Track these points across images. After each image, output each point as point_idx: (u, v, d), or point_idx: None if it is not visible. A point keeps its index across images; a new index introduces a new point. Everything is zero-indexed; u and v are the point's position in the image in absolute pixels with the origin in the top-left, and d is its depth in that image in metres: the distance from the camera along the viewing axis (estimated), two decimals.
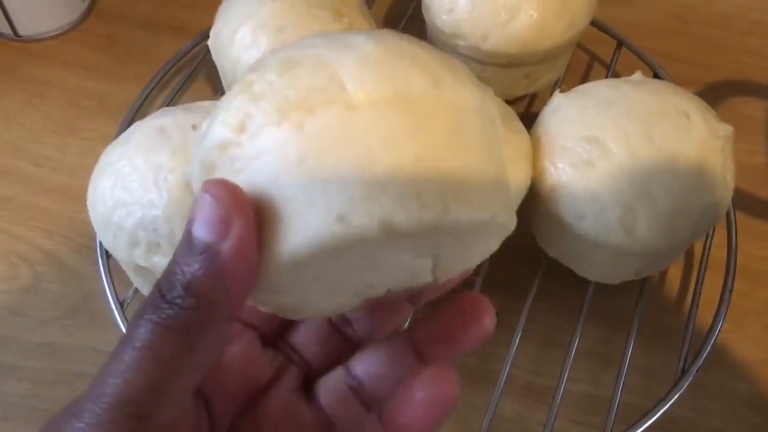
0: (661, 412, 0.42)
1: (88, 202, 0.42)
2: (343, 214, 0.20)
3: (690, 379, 0.43)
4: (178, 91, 0.57)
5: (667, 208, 0.40)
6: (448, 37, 0.52)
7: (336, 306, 0.25)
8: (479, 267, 0.37)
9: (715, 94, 0.61)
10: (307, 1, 0.49)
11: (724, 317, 0.45)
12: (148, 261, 0.39)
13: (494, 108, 0.24)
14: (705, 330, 0.45)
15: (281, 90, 0.21)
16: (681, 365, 0.44)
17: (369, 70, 0.21)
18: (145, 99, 0.56)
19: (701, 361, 0.44)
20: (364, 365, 0.27)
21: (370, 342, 0.29)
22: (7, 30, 0.63)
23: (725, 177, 0.42)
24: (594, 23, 0.57)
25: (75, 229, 0.52)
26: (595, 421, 0.44)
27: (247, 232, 0.20)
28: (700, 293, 0.47)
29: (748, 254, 0.51)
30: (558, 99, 0.45)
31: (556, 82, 0.58)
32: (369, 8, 0.58)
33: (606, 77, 0.57)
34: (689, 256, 0.51)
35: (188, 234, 0.21)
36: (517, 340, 0.45)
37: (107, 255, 0.46)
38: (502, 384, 0.43)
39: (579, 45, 0.61)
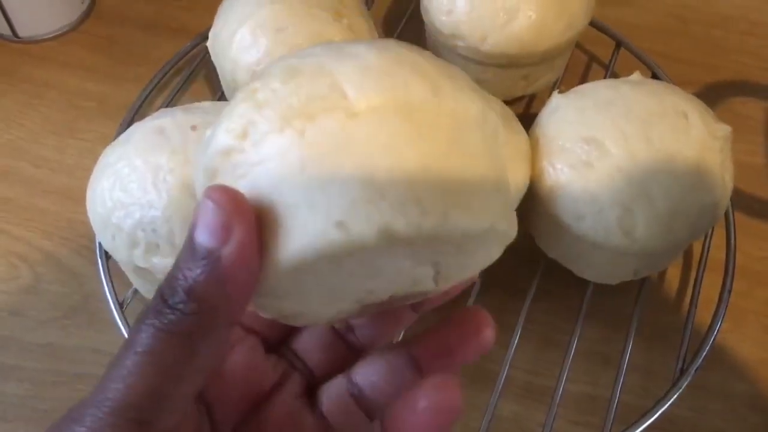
0: (659, 412, 0.42)
1: (87, 203, 0.42)
2: (342, 221, 0.20)
3: (689, 379, 0.43)
4: (177, 92, 0.58)
5: (665, 209, 0.40)
6: (447, 38, 0.52)
7: (337, 312, 0.25)
8: None
9: (714, 95, 0.61)
10: (306, 1, 0.49)
11: (723, 317, 0.45)
12: (147, 262, 0.39)
13: (496, 116, 0.24)
14: (704, 330, 0.45)
15: (284, 98, 0.21)
16: (680, 365, 0.44)
17: (370, 78, 0.21)
18: (144, 100, 0.56)
19: (700, 361, 0.44)
20: (366, 374, 0.27)
21: (373, 349, 0.29)
22: (7, 31, 0.63)
23: (724, 177, 0.42)
24: (593, 24, 0.57)
25: (74, 230, 0.52)
26: (593, 421, 0.44)
27: (248, 238, 0.21)
28: (698, 293, 0.47)
29: (747, 254, 0.51)
30: (556, 100, 0.45)
31: (555, 83, 0.58)
32: (368, 9, 0.58)
33: (605, 78, 0.57)
34: (688, 256, 0.51)
35: (190, 239, 0.21)
36: (516, 341, 0.45)
37: (107, 256, 0.46)
38: (501, 384, 0.43)
39: (578, 45, 0.61)
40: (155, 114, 0.43)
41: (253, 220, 0.21)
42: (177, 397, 0.21)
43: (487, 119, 0.23)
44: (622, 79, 0.47)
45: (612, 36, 0.60)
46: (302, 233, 0.21)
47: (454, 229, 0.21)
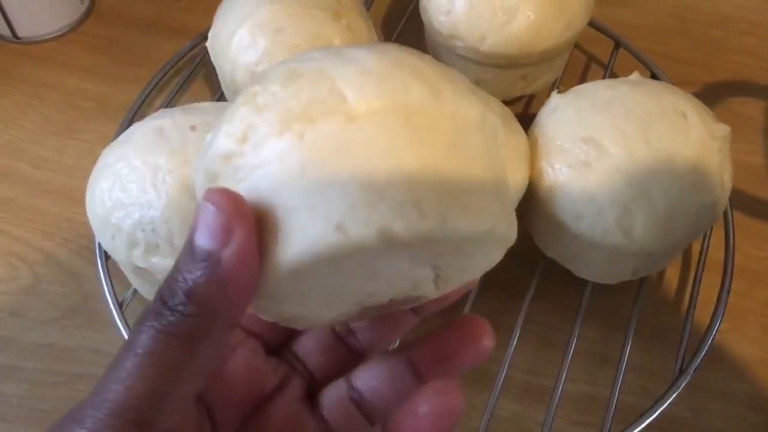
0: (658, 411, 0.42)
1: (86, 204, 0.42)
2: (341, 223, 0.20)
3: (687, 378, 0.43)
4: (176, 93, 0.58)
5: (664, 209, 0.40)
6: (446, 38, 0.52)
7: (336, 315, 0.25)
8: None
9: (713, 95, 0.61)
10: (305, 2, 0.49)
11: (722, 317, 0.45)
12: (146, 262, 0.39)
13: (496, 119, 0.24)
14: (703, 330, 0.45)
15: (284, 101, 0.22)
16: (679, 365, 0.44)
17: (369, 82, 0.22)
18: (144, 100, 0.57)
19: (699, 360, 0.44)
20: (366, 378, 0.27)
21: (373, 352, 0.29)
22: (6, 32, 0.63)
23: (723, 177, 0.42)
24: (591, 24, 0.57)
25: (74, 231, 0.52)
26: (593, 421, 0.44)
27: (248, 241, 0.21)
28: (697, 293, 0.47)
29: (746, 254, 0.51)
30: (555, 100, 0.45)
31: (554, 83, 0.58)
32: (367, 9, 0.58)
33: (603, 78, 0.57)
34: (687, 256, 0.51)
35: (190, 242, 0.21)
36: (515, 341, 0.45)
37: (106, 256, 0.46)
38: (500, 384, 0.43)
39: (577, 46, 0.61)
40: (154, 114, 0.43)
41: (253, 223, 0.21)
42: (177, 399, 0.21)
43: (486, 122, 0.23)
44: (620, 79, 0.47)
45: (611, 36, 0.60)
46: (302, 236, 0.21)
47: (453, 231, 0.21)
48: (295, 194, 0.21)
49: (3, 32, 0.63)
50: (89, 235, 0.47)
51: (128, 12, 0.66)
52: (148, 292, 0.45)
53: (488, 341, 0.26)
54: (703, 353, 0.44)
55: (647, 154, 0.41)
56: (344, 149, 0.21)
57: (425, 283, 0.24)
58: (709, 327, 0.45)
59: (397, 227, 0.20)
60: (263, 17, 0.48)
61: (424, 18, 0.55)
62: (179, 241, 0.38)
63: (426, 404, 0.24)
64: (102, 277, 0.46)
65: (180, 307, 0.21)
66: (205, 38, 0.53)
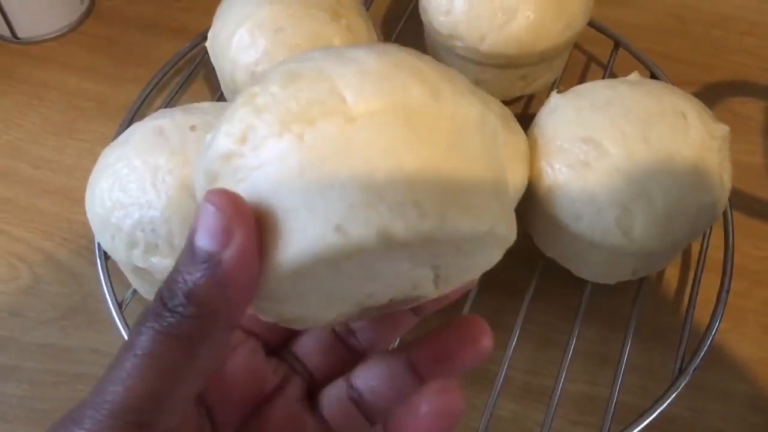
0: (658, 411, 0.42)
1: (86, 204, 0.42)
2: (340, 224, 0.20)
3: (687, 378, 0.43)
4: (176, 93, 0.58)
5: (663, 209, 0.40)
6: (446, 38, 0.52)
7: (336, 315, 0.25)
8: None
9: (713, 95, 0.61)
10: (304, 2, 0.49)
11: (721, 317, 0.45)
12: (146, 262, 0.39)
13: (495, 119, 0.24)
14: (702, 330, 0.45)
15: (283, 102, 0.22)
16: (678, 365, 0.44)
17: (369, 83, 0.22)
18: (143, 100, 0.57)
19: (698, 360, 0.44)
20: (365, 378, 0.27)
21: (373, 352, 0.29)
22: (6, 32, 0.63)
23: (722, 177, 0.42)
24: (591, 24, 0.57)
25: (74, 231, 0.52)
26: (592, 420, 0.44)
27: (248, 242, 0.21)
28: (697, 293, 0.47)
29: (745, 254, 0.51)
30: (555, 100, 0.45)
31: (554, 83, 0.58)
32: (367, 9, 0.58)
33: (603, 78, 0.57)
34: (686, 256, 0.51)
35: (190, 243, 0.21)
36: (515, 341, 0.45)
37: (106, 256, 0.46)
38: (499, 384, 0.43)
39: (576, 46, 0.61)
40: (154, 114, 0.43)
41: (253, 224, 0.21)
42: (176, 400, 0.21)
43: (486, 122, 0.23)
44: (620, 79, 0.47)
45: (610, 36, 0.60)
46: (301, 237, 0.21)
47: (452, 231, 0.21)
48: (295, 195, 0.21)
49: (3, 32, 0.63)
50: (89, 235, 0.47)
51: (128, 12, 0.66)
52: (148, 292, 0.45)
53: (487, 341, 0.27)
54: (702, 353, 0.44)
55: (647, 154, 0.41)
56: (343, 150, 0.21)
57: (425, 283, 0.24)
58: (709, 327, 0.45)
59: (396, 228, 0.20)
60: (263, 17, 0.48)
61: (423, 18, 0.55)
62: (179, 241, 0.38)
63: (426, 404, 0.24)
64: (102, 277, 0.46)
65: (180, 309, 0.21)
66: (205, 38, 0.53)
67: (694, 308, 0.46)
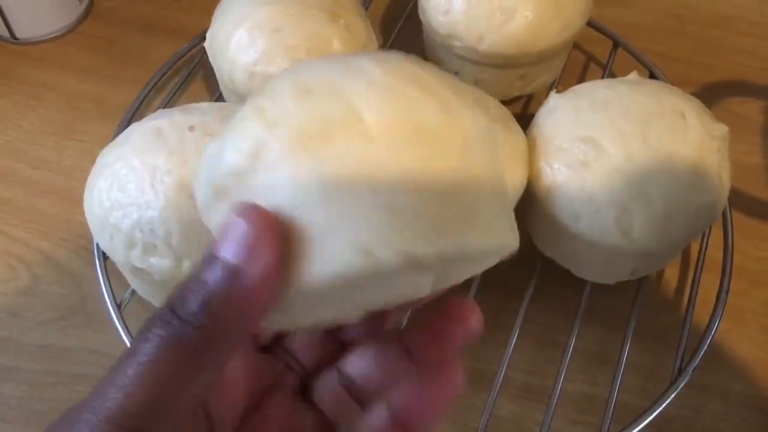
0: (657, 411, 0.42)
1: (84, 204, 0.42)
2: (367, 247, 0.21)
3: (686, 378, 0.43)
4: (175, 93, 0.58)
5: (662, 209, 0.40)
6: (444, 38, 0.52)
7: (335, 320, 0.25)
8: None
9: (712, 95, 0.61)
10: (302, 2, 0.49)
11: (721, 317, 0.45)
12: (144, 262, 0.39)
13: (496, 127, 0.24)
14: (702, 330, 0.45)
15: (297, 118, 0.21)
16: (677, 365, 0.44)
17: (383, 100, 0.22)
18: (142, 101, 0.57)
19: (698, 360, 0.44)
20: (355, 364, 0.28)
21: (361, 343, 0.29)
22: (5, 33, 0.63)
23: (721, 177, 0.42)
24: (590, 24, 0.57)
25: (73, 231, 0.52)
26: (591, 420, 0.44)
27: (276, 261, 0.21)
28: (696, 293, 0.47)
29: (745, 254, 0.51)
30: (554, 100, 0.45)
31: (553, 83, 0.58)
32: (365, 9, 0.58)
33: (602, 78, 0.57)
34: (686, 255, 0.51)
35: (212, 254, 0.21)
36: (514, 341, 0.45)
37: (105, 257, 0.46)
38: (499, 384, 0.43)
39: (575, 46, 0.61)
40: (153, 115, 0.43)
41: (282, 244, 0.21)
42: (177, 409, 0.21)
43: (490, 132, 0.24)
44: (619, 78, 0.47)
45: (609, 36, 0.60)
46: (327, 259, 0.21)
47: (470, 249, 0.22)
48: (316, 216, 0.21)
49: (2, 33, 0.63)
50: (88, 236, 0.47)
51: (127, 13, 0.66)
52: (147, 293, 0.45)
53: (476, 321, 0.27)
54: (702, 353, 0.44)
55: (646, 153, 0.41)
56: (363, 170, 0.21)
57: (426, 286, 0.24)
58: (708, 327, 0.45)
59: (420, 250, 0.21)
60: (261, 17, 0.48)
61: (422, 18, 0.55)
62: (177, 242, 0.38)
63: (428, 386, 0.25)
64: (100, 277, 0.46)
65: (191, 318, 0.20)
66: (204, 39, 0.53)
67: (693, 308, 0.46)
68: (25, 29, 0.63)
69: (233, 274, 0.20)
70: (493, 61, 0.52)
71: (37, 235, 0.52)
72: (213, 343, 0.21)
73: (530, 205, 0.45)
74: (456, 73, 0.55)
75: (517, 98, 0.58)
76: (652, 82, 0.46)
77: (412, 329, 0.27)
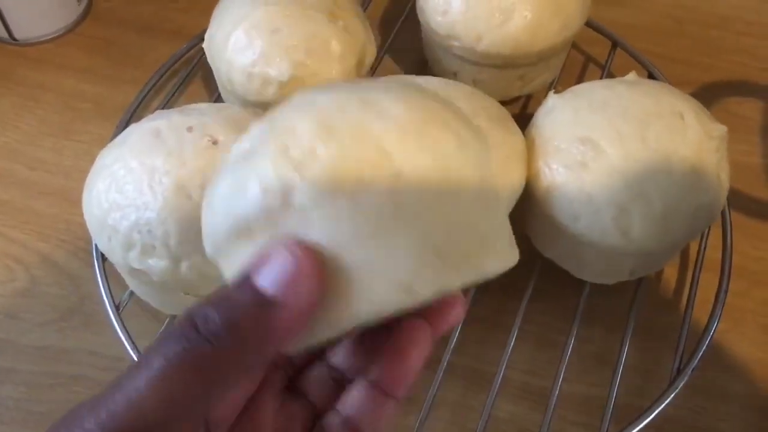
0: (656, 411, 0.42)
1: (83, 205, 0.42)
2: (408, 285, 0.22)
3: (685, 378, 0.43)
4: (173, 94, 0.58)
5: (661, 209, 0.40)
6: (443, 38, 0.52)
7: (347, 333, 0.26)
8: None
9: (710, 95, 0.61)
10: (301, 3, 0.49)
11: (720, 317, 0.45)
12: (142, 263, 0.39)
13: (488, 144, 0.25)
14: (701, 330, 0.45)
15: (327, 159, 0.22)
16: (676, 365, 0.44)
17: (410, 141, 0.22)
18: (140, 102, 0.56)
19: (696, 361, 0.44)
20: (339, 355, 0.28)
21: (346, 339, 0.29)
22: (4, 33, 0.63)
23: (720, 177, 0.42)
24: (589, 24, 0.57)
25: (71, 232, 0.52)
26: (591, 421, 0.44)
27: (314, 299, 0.21)
28: (695, 293, 0.47)
29: (744, 254, 0.51)
30: (552, 100, 0.45)
31: (551, 83, 0.58)
32: (364, 10, 0.58)
33: (601, 78, 0.57)
34: (685, 256, 0.51)
35: (246, 278, 0.21)
36: (513, 341, 0.45)
37: (103, 258, 0.46)
38: (497, 385, 0.43)
39: (574, 46, 0.61)
40: (151, 116, 0.43)
41: (323, 282, 0.21)
42: (179, 425, 0.21)
43: (487, 152, 0.25)
44: (618, 79, 0.47)
45: (608, 36, 0.60)
46: (368, 298, 0.22)
47: (489, 275, 0.23)
48: (355, 256, 0.21)
49: (0, 34, 0.63)
50: (86, 237, 0.47)
51: (125, 14, 0.66)
52: (145, 294, 0.45)
53: (424, 351, 0.27)
54: (700, 353, 0.44)
55: (644, 154, 0.41)
56: (396, 209, 0.21)
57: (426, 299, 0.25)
58: (707, 327, 0.45)
59: (452, 283, 0.22)
60: (259, 18, 0.48)
61: (421, 18, 0.55)
62: (175, 243, 0.38)
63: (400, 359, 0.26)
64: (99, 279, 0.46)
65: (212, 337, 0.20)
66: (202, 39, 0.53)
67: (692, 308, 0.46)
68: (23, 30, 0.63)
69: (267, 303, 0.20)
70: (492, 61, 0.52)
71: (36, 236, 0.52)
72: (230, 363, 0.21)
73: (529, 206, 0.45)
74: (455, 74, 0.55)
75: (516, 98, 0.58)
76: (651, 82, 0.46)
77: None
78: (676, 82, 0.54)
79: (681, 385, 0.43)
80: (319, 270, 0.21)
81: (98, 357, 0.47)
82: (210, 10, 0.53)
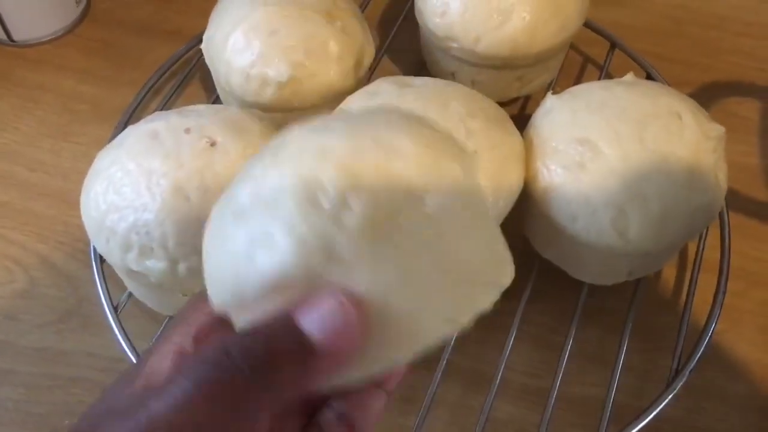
0: (655, 412, 0.42)
1: (81, 207, 0.42)
2: (454, 318, 0.23)
3: (684, 379, 0.43)
4: (172, 96, 0.58)
5: (659, 210, 0.40)
6: (441, 39, 0.52)
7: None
8: None
9: (709, 95, 0.61)
10: (299, 4, 0.49)
11: (718, 318, 0.45)
12: (140, 265, 0.39)
13: (478, 161, 0.27)
14: (699, 331, 0.45)
15: (362, 208, 0.22)
16: (675, 366, 0.44)
17: (429, 176, 0.23)
18: (139, 103, 0.57)
19: (695, 361, 0.44)
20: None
21: None
22: (2, 35, 0.63)
23: (718, 178, 0.42)
24: (587, 25, 0.57)
25: (70, 234, 0.52)
26: (589, 422, 0.44)
27: (360, 347, 0.21)
28: (693, 294, 0.47)
29: (742, 255, 0.51)
30: (550, 101, 0.45)
31: (550, 84, 0.58)
32: (362, 11, 0.58)
33: (599, 79, 0.57)
34: (683, 256, 0.51)
35: (289, 318, 0.21)
36: (511, 342, 0.45)
37: (101, 259, 0.46)
38: (496, 386, 0.43)
39: (572, 46, 0.61)
40: (149, 117, 0.43)
41: (368, 333, 0.21)
42: None
43: (475, 164, 0.26)
44: (615, 80, 0.47)
45: (606, 37, 0.60)
46: (418, 335, 0.22)
47: (505, 286, 0.24)
48: (401, 299, 0.22)
49: None
50: (85, 239, 0.47)
51: (124, 15, 0.66)
52: (143, 296, 0.45)
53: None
54: (699, 354, 0.44)
55: (642, 155, 0.41)
56: (432, 248, 0.22)
57: None
58: (705, 328, 0.45)
59: (486, 304, 0.23)
60: (258, 19, 0.48)
61: (419, 20, 0.55)
62: (173, 244, 0.38)
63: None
64: (97, 280, 0.46)
65: (249, 368, 0.20)
66: (201, 41, 0.53)
67: (690, 309, 0.46)
68: (22, 31, 0.63)
69: (310, 346, 0.21)
70: (490, 62, 0.52)
71: (34, 238, 0.52)
72: (261, 397, 0.21)
73: (527, 207, 0.45)
74: (453, 75, 0.55)
75: (515, 99, 0.58)
76: (648, 83, 0.46)
77: None
78: (675, 83, 0.54)
79: (679, 385, 0.43)
80: (365, 320, 0.21)
81: (97, 358, 0.47)
82: (207, 11, 0.53)
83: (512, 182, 0.43)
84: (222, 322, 0.24)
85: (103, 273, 0.46)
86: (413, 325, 0.22)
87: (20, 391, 0.45)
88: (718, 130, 0.43)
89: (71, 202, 0.52)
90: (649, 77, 0.57)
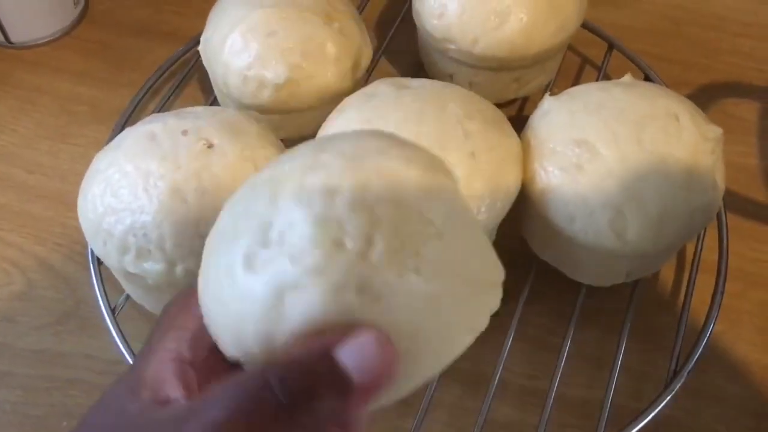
0: (653, 414, 0.42)
1: (78, 209, 0.42)
2: (474, 327, 0.24)
3: (682, 380, 0.43)
4: (169, 97, 0.58)
5: (656, 211, 0.40)
6: (439, 41, 0.52)
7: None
8: None
9: (707, 96, 0.61)
10: (297, 5, 0.49)
11: (716, 319, 0.45)
12: (137, 267, 0.39)
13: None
14: (697, 332, 0.45)
15: (387, 245, 0.22)
16: (673, 367, 0.44)
17: (434, 199, 0.24)
18: (137, 105, 0.57)
19: (693, 363, 0.44)
20: None
21: None
22: (0, 37, 0.63)
23: (715, 179, 0.42)
24: (585, 26, 0.58)
25: (68, 236, 0.52)
26: (587, 423, 0.44)
27: (393, 383, 0.22)
28: (691, 295, 0.47)
29: (740, 256, 0.51)
30: (548, 102, 0.45)
31: (547, 86, 0.58)
32: (360, 12, 0.58)
33: (597, 80, 0.57)
34: (681, 257, 0.51)
35: (327, 352, 0.21)
36: (509, 343, 0.45)
37: (99, 261, 0.46)
38: (494, 387, 0.43)
39: (570, 48, 0.61)
40: (147, 119, 0.43)
41: (400, 364, 0.22)
42: None
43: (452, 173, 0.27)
44: (613, 81, 0.46)
45: (604, 38, 0.60)
46: (446, 350, 0.24)
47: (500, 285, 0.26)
48: (433, 321, 0.23)
49: None
50: (82, 241, 0.47)
51: (121, 16, 0.66)
52: (141, 298, 0.45)
53: None
54: (697, 355, 0.44)
55: (640, 156, 0.41)
56: (451, 269, 0.23)
57: None
58: (704, 329, 0.45)
59: (493, 305, 0.25)
60: (255, 21, 0.48)
61: (416, 21, 0.55)
62: (170, 246, 0.38)
63: None
64: (95, 282, 0.46)
65: (286, 398, 0.21)
66: (198, 42, 0.53)
67: (688, 310, 0.46)
68: (19, 33, 0.63)
69: (347, 381, 0.21)
70: (488, 63, 0.52)
71: (32, 240, 0.52)
72: (293, 426, 0.21)
73: (525, 208, 0.45)
74: (450, 76, 0.55)
75: (512, 101, 0.58)
76: (646, 84, 0.46)
77: None
78: (673, 84, 0.54)
79: (677, 386, 0.43)
80: (400, 357, 0.22)
81: (94, 360, 0.47)
82: (205, 12, 0.53)
83: (510, 184, 0.42)
84: None
85: (100, 275, 0.46)
86: (442, 343, 0.23)
87: (18, 393, 0.45)
88: (715, 131, 0.43)
89: (69, 203, 0.52)
90: (647, 78, 0.57)
